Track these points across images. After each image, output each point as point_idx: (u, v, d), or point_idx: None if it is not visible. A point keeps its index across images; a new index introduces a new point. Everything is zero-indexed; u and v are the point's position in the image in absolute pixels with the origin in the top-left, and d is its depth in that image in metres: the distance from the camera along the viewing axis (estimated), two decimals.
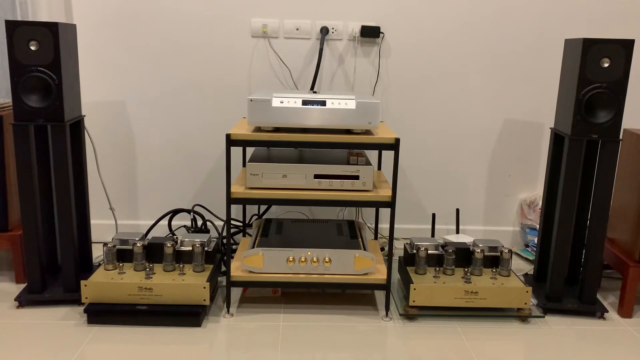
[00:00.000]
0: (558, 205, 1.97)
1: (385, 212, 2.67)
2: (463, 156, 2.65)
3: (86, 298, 1.89)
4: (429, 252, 2.09)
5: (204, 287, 1.89)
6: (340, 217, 2.71)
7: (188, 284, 1.89)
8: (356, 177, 1.94)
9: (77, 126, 2.04)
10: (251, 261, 1.96)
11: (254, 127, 1.98)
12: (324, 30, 2.46)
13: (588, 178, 2.07)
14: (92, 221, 2.64)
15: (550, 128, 2.11)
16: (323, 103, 1.88)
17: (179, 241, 2.09)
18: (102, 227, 2.65)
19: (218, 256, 2.14)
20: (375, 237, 2.47)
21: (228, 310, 2.00)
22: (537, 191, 2.69)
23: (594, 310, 2.03)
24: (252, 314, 2.00)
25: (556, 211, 1.99)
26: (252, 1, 2.46)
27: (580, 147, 1.91)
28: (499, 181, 2.69)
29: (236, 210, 2.65)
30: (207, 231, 2.53)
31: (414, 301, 1.94)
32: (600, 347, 1.85)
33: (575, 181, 1.94)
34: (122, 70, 2.51)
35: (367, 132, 1.95)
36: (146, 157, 2.60)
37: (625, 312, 2.05)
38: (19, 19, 2.41)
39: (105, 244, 2.02)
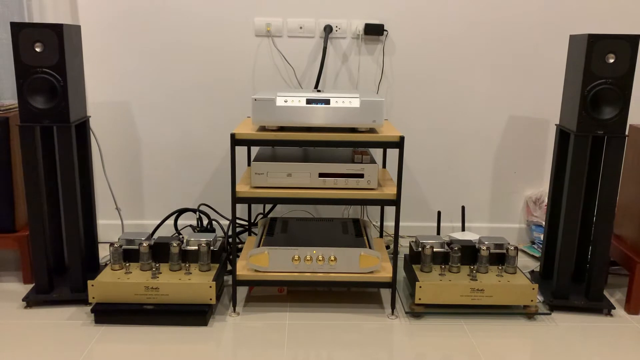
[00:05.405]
0: (564, 201, 1.97)
1: (390, 210, 2.67)
2: (468, 153, 2.65)
3: (93, 298, 1.90)
4: (435, 249, 2.09)
5: (210, 286, 1.90)
6: (345, 216, 2.71)
7: (194, 283, 1.90)
8: (361, 176, 1.94)
9: (83, 127, 2.05)
10: (257, 260, 1.96)
11: (259, 127, 1.99)
12: (328, 29, 2.46)
13: (594, 174, 2.06)
14: (99, 221, 2.65)
15: (556, 124, 2.10)
16: (327, 102, 1.88)
17: (184, 241, 2.10)
18: (109, 227, 2.66)
19: (224, 255, 2.14)
20: (381, 235, 2.47)
21: (234, 309, 2.01)
22: (542, 188, 2.68)
23: (601, 307, 2.02)
24: (258, 312, 2.01)
25: (562, 208, 1.98)
26: (256, 0, 2.46)
27: (585, 143, 1.90)
28: (505, 178, 2.68)
29: (241, 209, 2.66)
30: (213, 230, 2.54)
31: (419, 299, 1.94)
32: (607, 343, 1.85)
33: (581, 177, 1.93)
34: (126, 70, 2.51)
35: (372, 131, 1.94)
36: (151, 157, 2.61)
37: (632, 308, 2.04)
38: (27, 20, 2.42)
39: (111, 244, 2.03)
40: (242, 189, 1.92)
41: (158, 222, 2.60)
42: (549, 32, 2.51)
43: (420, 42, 2.52)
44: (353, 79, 2.55)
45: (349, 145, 1.87)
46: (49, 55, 1.82)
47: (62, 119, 1.87)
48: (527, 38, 2.52)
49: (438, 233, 2.57)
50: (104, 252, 2.49)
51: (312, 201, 1.92)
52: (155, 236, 2.27)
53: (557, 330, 1.93)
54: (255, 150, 2.48)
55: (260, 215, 2.65)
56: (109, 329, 1.87)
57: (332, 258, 1.96)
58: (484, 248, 2.05)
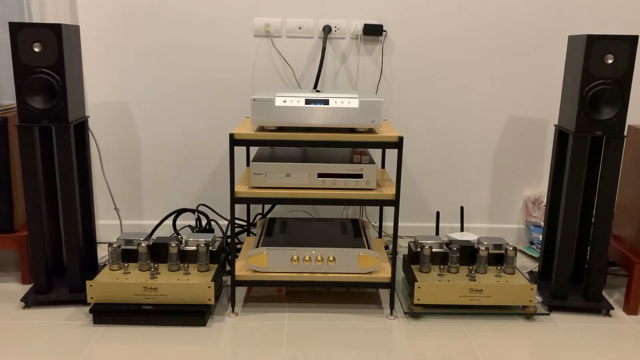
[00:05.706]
0: (563, 202, 1.97)
1: (389, 211, 2.67)
2: (467, 154, 2.65)
3: (92, 298, 1.90)
4: (434, 250, 2.09)
5: (209, 287, 1.89)
6: (344, 216, 2.71)
7: (193, 284, 1.89)
8: (360, 176, 1.94)
9: (82, 127, 2.05)
10: (255, 260, 1.96)
11: (258, 127, 1.99)
12: (327, 29, 2.46)
13: (593, 175, 2.06)
14: (97, 221, 2.65)
15: (555, 125, 2.10)
16: (326, 102, 1.88)
17: (183, 241, 2.10)
18: (107, 228, 2.66)
19: (222, 255, 2.14)
20: (380, 236, 2.47)
21: (233, 310, 2.01)
22: (541, 188, 2.68)
23: (600, 308, 2.02)
24: (257, 313, 2.01)
25: (561, 208, 1.98)
26: (255, 1, 2.46)
27: (584, 143, 1.91)
28: (504, 178, 2.68)
29: (240, 209, 2.66)
30: (212, 231, 2.54)
31: (418, 299, 1.94)
32: (606, 344, 1.85)
33: (580, 178, 1.93)
34: (126, 70, 2.51)
35: (371, 131, 1.94)
36: (150, 157, 2.61)
37: (631, 309, 2.05)
38: (27, 20, 2.42)
39: (110, 244, 2.03)
40: (241, 189, 1.92)
41: (157, 222, 2.60)
42: (549, 32, 2.52)
43: (420, 43, 2.52)
44: (352, 79, 2.55)
45: (348, 145, 1.87)
46: (47, 55, 1.82)
47: (61, 119, 1.87)
48: (527, 38, 2.52)
49: (437, 233, 2.57)
50: (102, 253, 2.49)
51: (311, 201, 1.92)
52: (154, 236, 2.27)
53: (555, 330, 1.93)
54: (254, 150, 2.48)
55: (259, 216, 2.65)
56: (107, 329, 1.87)
57: (331, 258, 1.96)
58: (483, 248, 2.05)
